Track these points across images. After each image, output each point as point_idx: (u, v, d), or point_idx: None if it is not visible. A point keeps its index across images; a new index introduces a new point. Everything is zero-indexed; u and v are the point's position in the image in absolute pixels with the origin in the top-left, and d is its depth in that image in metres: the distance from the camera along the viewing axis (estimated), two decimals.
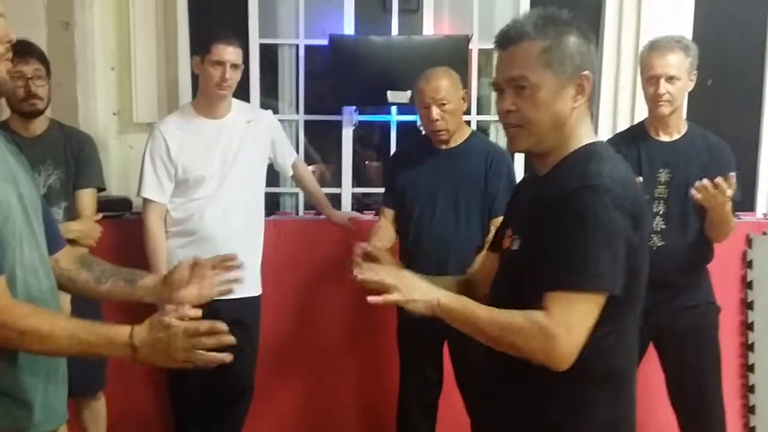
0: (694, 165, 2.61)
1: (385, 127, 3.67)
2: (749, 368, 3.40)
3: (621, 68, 3.48)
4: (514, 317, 1.36)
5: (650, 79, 2.61)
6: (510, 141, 1.52)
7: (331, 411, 3.34)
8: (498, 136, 3.59)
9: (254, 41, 3.52)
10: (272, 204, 3.60)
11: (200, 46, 2.90)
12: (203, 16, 3.48)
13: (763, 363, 3.38)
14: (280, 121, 3.26)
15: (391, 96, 3.38)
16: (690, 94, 2.75)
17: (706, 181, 2.42)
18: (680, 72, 2.58)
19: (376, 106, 3.55)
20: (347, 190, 3.65)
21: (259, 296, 3.03)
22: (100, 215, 2.88)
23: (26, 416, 1.39)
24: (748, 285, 3.38)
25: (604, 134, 3.28)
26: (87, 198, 2.83)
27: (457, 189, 2.80)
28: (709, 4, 3.49)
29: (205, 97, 2.92)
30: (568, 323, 1.33)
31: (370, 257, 1.70)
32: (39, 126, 2.79)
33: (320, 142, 3.77)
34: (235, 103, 3.00)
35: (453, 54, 3.28)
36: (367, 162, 3.86)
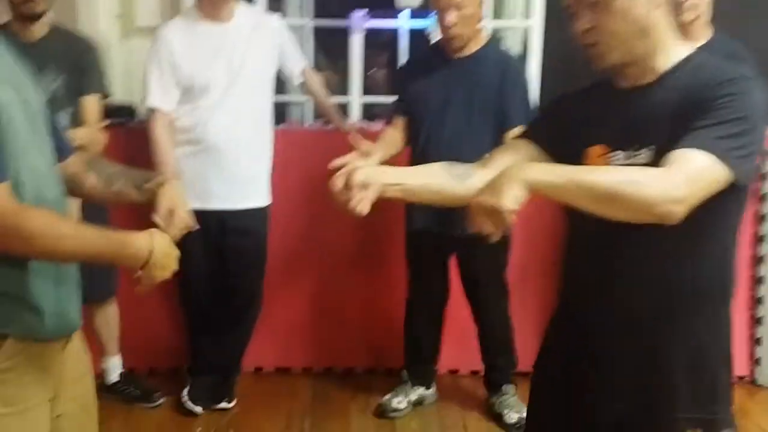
0: None
1: (392, 35, 3.55)
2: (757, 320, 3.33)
3: None
4: (627, 169, 1.35)
5: None
6: (595, 59, 1.43)
7: (339, 321, 3.38)
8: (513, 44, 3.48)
9: None
10: (278, 115, 3.52)
11: None
12: None
13: None
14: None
15: None
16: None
17: None
18: None
19: (385, 9, 3.43)
20: (356, 98, 3.57)
21: (267, 206, 3.01)
22: (106, 122, 2.83)
23: (38, 322, 1.38)
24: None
25: None
26: (91, 105, 2.78)
27: (470, 99, 2.73)
28: None
29: None
30: (693, 175, 1.27)
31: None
32: (39, 30, 2.70)
33: (326, 49, 3.66)
34: (241, 6, 2.89)
35: None
36: (373, 69, 3.75)
